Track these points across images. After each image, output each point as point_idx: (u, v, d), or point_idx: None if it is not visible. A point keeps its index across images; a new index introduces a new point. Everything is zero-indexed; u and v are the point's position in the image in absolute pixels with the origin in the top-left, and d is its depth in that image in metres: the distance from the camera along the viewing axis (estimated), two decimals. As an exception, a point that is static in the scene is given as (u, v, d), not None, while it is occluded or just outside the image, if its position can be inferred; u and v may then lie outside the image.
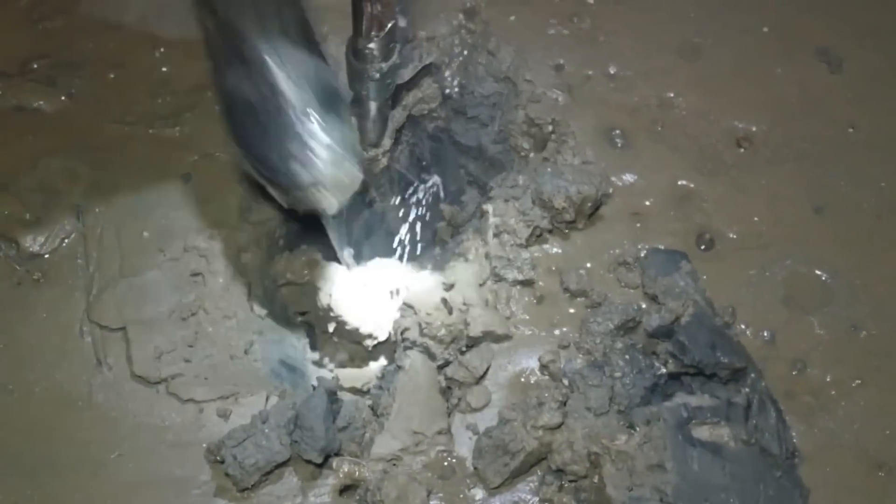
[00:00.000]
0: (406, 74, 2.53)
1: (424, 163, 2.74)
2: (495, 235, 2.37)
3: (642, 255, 2.34)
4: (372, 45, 2.25)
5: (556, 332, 2.27)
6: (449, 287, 2.31)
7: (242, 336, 2.26)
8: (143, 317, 2.23)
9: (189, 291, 2.27)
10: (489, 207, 2.40)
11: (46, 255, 2.29)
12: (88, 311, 2.23)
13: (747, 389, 2.15)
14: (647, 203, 2.42)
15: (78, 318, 2.23)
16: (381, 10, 2.18)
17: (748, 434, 2.09)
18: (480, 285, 2.32)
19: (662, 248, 2.35)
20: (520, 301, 2.31)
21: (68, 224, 2.32)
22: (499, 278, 2.34)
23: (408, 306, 2.27)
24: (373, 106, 2.38)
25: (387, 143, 2.52)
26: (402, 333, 2.26)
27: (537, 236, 2.38)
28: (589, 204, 2.36)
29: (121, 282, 2.27)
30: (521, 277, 2.33)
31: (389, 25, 2.22)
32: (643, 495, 2.01)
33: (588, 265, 2.34)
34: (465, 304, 2.27)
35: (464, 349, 2.25)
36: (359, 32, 2.23)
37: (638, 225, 2.39)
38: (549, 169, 2.40)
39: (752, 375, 2.16)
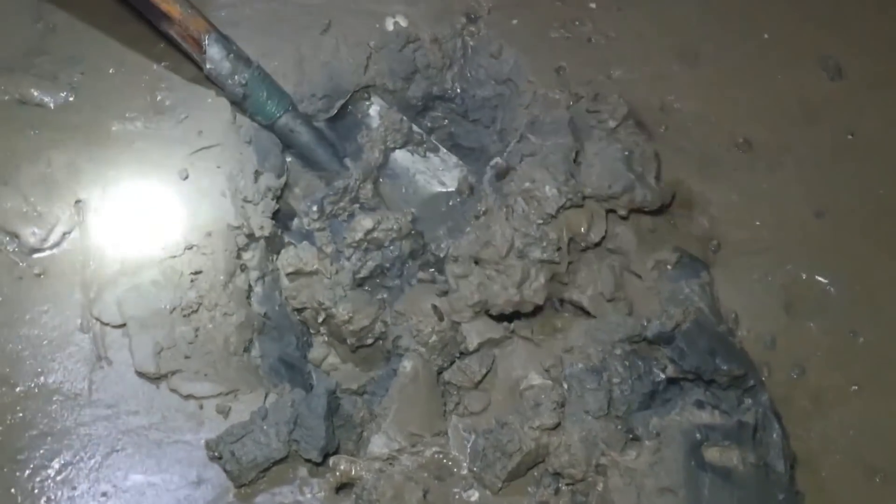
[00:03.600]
0: (337, 104, 2.57)
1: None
2: (526, 202, 2.31)
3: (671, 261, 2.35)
4: (209, 66, 2.30)
5: (560, 336, 2.27)
6: (441, 293, 2.31)
7: (242, 333, 2.26)
8: (144, 313, 2.22)
9: (189, 288, 2.26)
10: (518, 167, 2.38)
11: (47, 251, 2.28)
12: (89, 307, 2.23)
13: (750, 401, 2.15)
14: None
15: (78, 314, 2.23)
16: (179, 28, 2.21)
17: (757, 456, 2.09)
18: (504, 257, 2.27)
19: (684, 255, 2.35)
20: (533, 282, 2.28)
21: (69, 219, 2.32)
22: (521, 255, 2.28)
23: (399, 313, 2.27)
24: (283, 125, 2.45)
25: (356, 172, 2.51)
26: (394, 340, 2.27)
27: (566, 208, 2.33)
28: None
29: (121, 278, 2.26)
30: (544, 257, 2.27)
31: (208, 39, 2.24)
32: (653, 521, 2.03)
33: (598, 269, 2.35)
34: (456, 311, 2.27)
35: (458, 354, 2.25)
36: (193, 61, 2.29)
37: (651, 229, 2.40)
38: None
39: (752, 382, 2.16)
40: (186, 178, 2.38)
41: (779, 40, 2.68)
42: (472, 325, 2.26)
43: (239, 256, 2.33)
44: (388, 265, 2.37)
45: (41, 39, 2.54)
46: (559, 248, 2.27)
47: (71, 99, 2.46)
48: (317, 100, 2.55)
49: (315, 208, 2.45)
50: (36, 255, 2.28)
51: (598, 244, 2.34)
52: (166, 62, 2.52)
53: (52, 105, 2.45)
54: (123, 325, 2.21)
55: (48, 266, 2.27)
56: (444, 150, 2.64)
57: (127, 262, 2.28)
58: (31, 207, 2.31)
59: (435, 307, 2.24)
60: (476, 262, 2.29)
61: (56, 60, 2.51)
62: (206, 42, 2.32)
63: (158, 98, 2.48)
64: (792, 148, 2.52)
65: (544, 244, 2.26)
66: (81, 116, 2.44)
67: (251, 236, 2.35)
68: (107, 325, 2.22)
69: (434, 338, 2.21)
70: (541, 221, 2.27)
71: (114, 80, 2.50)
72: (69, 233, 2.31)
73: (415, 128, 2.62)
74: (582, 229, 2.31)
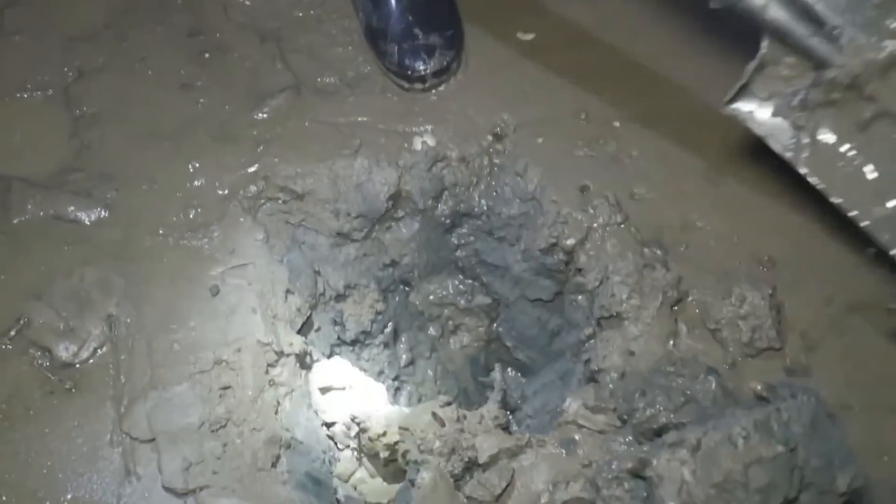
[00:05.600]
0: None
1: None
2: None
3: None
4: None
5: (580, 451, 2.26)
6: (444, 404, 2.32)
7: (270, 449, 2.27)
8: (173, 428, 2.24)
9: (218, 404, 2.28)
10: None
11: (79, 365, 2.32)
12: (119, 421, 2.25)
13: None
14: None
15: (108, 429, 2.25)
16: None
17: None
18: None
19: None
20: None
21: (101, 334, 2.35)
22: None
23: (403, 429, 2.28)
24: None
25: (852, 60, 2.16)
26: (403, 455, 2.28)
27: None
28: None
29: (151, 393, 2.28)
30: None
31: None
32: None
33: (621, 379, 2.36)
34: (460, 418, 2.28)
35: (467, 459, 2.24)
36: None
37: (671, 342, 2.40)
38: None
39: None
40: (217, 294, 2.41)
41: (800, 158, 2.70)
42: (484, 437, 2.26)
43: (268, 372, 2.36)
44: None
45: (76, 156, 2.60)
46: None
47: (105, 215, 2.51)
48: (351, 219, 2.59)
49: (797, 100, 2.24)
50: (67, 370, 2.31)
51: None
52: (198, 180, 2.57)
53: (86, 221, 2.50)
54: (153, 440, 2.23)
55: (79, 380, 2.30)
56: None
57: (157, 376, 2.31)
58: (64, 322, 2.35)
59: (434, 415, 2.26)
60: None
61: (90, 177, 2.57)
62: None
63: (191, 215, 2.52)
64: (814, 266, 2.51)
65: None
66: (115, 232, 2.49)
67: (280, 353, 2.38)
68: (136, 439, 2.23)
69: (438, 443, 2.22)
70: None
71: (147, 197, 2.56)
72: (101, 347, 2.34)
73: None
74: None
